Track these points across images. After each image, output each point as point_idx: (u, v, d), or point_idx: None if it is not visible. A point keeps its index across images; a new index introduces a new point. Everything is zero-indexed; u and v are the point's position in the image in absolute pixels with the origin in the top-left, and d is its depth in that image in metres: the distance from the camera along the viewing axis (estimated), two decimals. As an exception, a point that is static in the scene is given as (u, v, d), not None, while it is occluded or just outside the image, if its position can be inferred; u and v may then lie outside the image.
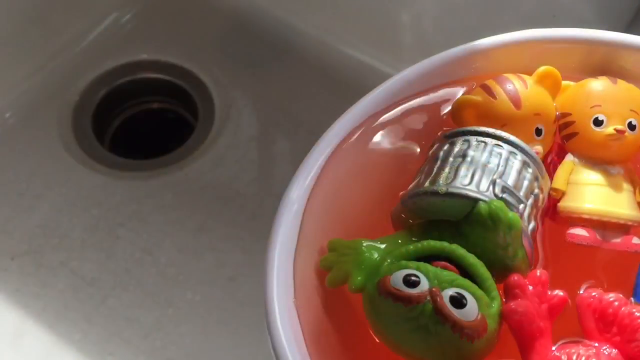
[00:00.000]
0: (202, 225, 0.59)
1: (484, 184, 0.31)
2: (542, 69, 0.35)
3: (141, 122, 0.66)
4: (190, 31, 0.68)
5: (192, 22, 0.69)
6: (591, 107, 0.33)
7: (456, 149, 0.32)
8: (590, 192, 0.33)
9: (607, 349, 0.29)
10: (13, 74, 0.64)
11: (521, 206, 0.31)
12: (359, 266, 0.31)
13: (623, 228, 0.33)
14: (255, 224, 0.59)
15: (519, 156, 0.32)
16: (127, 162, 0.62)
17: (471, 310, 0.28)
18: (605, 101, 0.33)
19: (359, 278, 0.30)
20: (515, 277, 0.30)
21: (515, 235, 0.30)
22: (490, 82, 0.34)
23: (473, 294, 0.29)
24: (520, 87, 0.34)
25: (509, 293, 0.30)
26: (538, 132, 0.34)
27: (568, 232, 0.33)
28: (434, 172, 0.32)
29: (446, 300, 0.28)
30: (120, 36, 0.68)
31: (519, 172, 0.32)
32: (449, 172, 0.31)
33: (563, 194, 0.33)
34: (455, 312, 0.28)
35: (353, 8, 0.64)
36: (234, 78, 0.65)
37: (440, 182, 0.31)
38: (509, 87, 0.34)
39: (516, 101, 0.33)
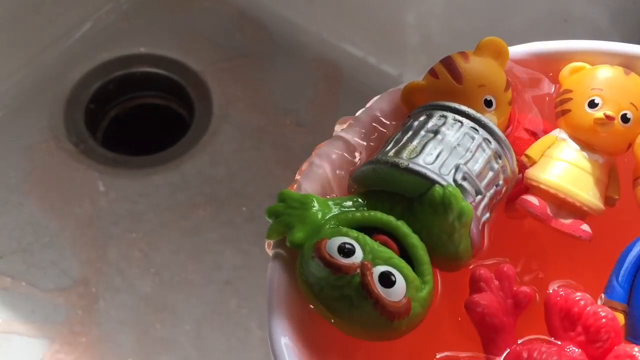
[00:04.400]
0: (198, 226, 0.58)
1: (447, 167, 0.31)
2: (483, 40, 0.34)
3: (135, 117, 0.66)
4: (188, 24, 0.67)
5: (190, 15, 0.68)
6: (592, 89, 0.33)
7: (430, 124, 0.32)
8: (558, 167, 0.33)
9: (571, 348, 0.29)
10: (3, 65, 0.64)
11: (479, 197, 0.31)
12: (303, 222, 0.30)
13: (579, 213, 0.32)
14: (253, 225, 0.58)
15: (493, 145, 0.32)
16: (121, 158, 0.62)
17: (398, 291, 0.29)
18: (608, 87, 0.33)
19: (300, 234, 0.30)
20: (481, 271, 0.30)
21: (464, 225, 0.30)
22: (436, 65, 0.34)
23: (405, 276, 0.29)
24: (461, 62, 0.33)
25: (474, 285, 0.30)
26: (488, 103, 0.33)
27: (521, 197, 0.32)
28: (401, 143, 0.32)
29: (375, 277, 0.28)
30: (115, 28, 0.67)
31: (487, 162, 0.31)
32: (416, 147, 0.31)
33: (534, 163, 0.33)
34: (381, 290, 0.28)
35: (357, 6, 0.63)
36: (232, 74, 0.65)
37: (404, 155, 0.31)
38: (450, 64, 0.33)
39: (457, 76, 0.33)
